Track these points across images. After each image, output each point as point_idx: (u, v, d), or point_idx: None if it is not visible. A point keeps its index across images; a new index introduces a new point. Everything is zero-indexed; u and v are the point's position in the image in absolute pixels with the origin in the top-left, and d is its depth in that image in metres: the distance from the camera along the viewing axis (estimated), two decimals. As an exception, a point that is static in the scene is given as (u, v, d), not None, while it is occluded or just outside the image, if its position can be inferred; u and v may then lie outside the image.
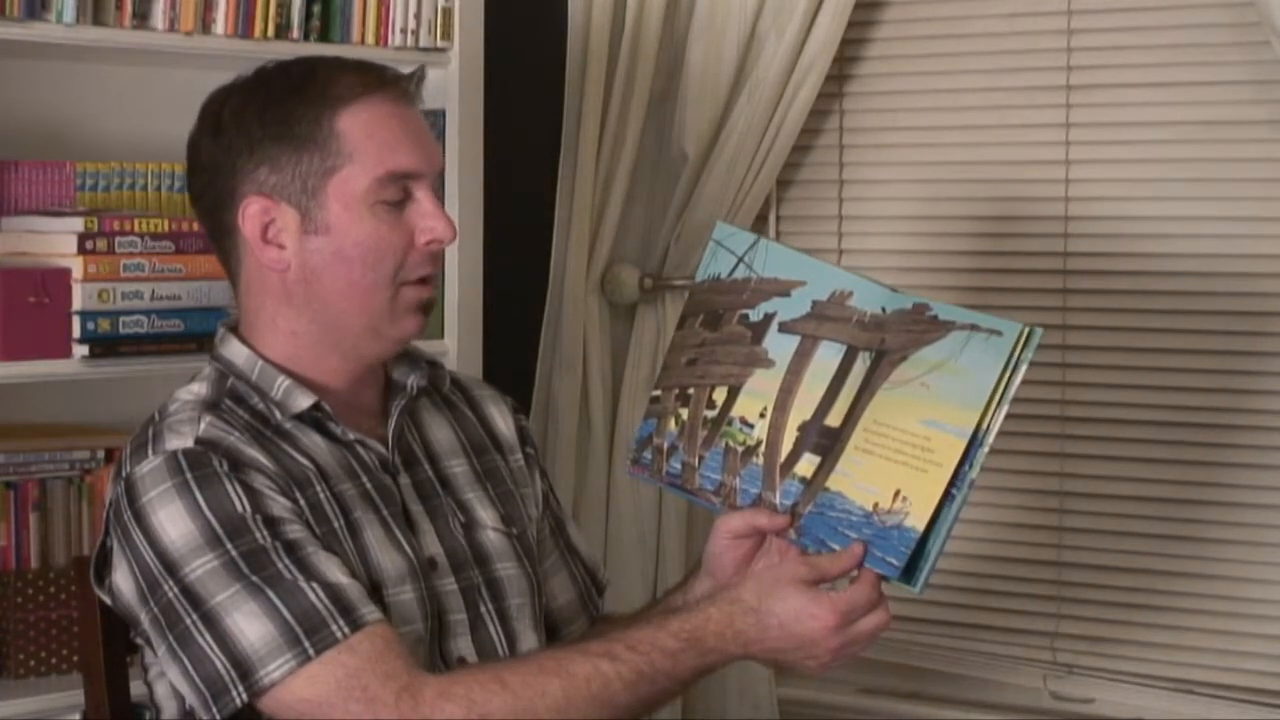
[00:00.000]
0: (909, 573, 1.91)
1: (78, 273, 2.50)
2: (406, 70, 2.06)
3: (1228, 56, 2.86)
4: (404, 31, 2.82)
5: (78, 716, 2.44)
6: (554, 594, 2.22)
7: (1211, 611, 2.93)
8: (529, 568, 2.12)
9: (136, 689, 2.11)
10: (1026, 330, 1.91)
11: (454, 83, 2.88)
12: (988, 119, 3.08)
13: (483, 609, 2.06)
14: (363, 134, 1.98)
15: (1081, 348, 3.00)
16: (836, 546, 1.94)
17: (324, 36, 2.74)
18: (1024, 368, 1.90)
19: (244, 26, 2.65)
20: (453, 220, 2.03)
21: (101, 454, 2.63)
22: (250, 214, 2.00)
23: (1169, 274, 2.93)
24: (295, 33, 2.71)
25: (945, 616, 3.11)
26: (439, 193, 2.06)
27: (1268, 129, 2.84)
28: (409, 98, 2.03)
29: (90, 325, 2.51)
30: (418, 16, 2.83)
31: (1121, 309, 2.97)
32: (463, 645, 2.02)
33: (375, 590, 1.94)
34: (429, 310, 2.04)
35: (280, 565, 1.88)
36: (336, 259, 1.99)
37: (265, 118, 1.99)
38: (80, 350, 2.50)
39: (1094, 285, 2.99)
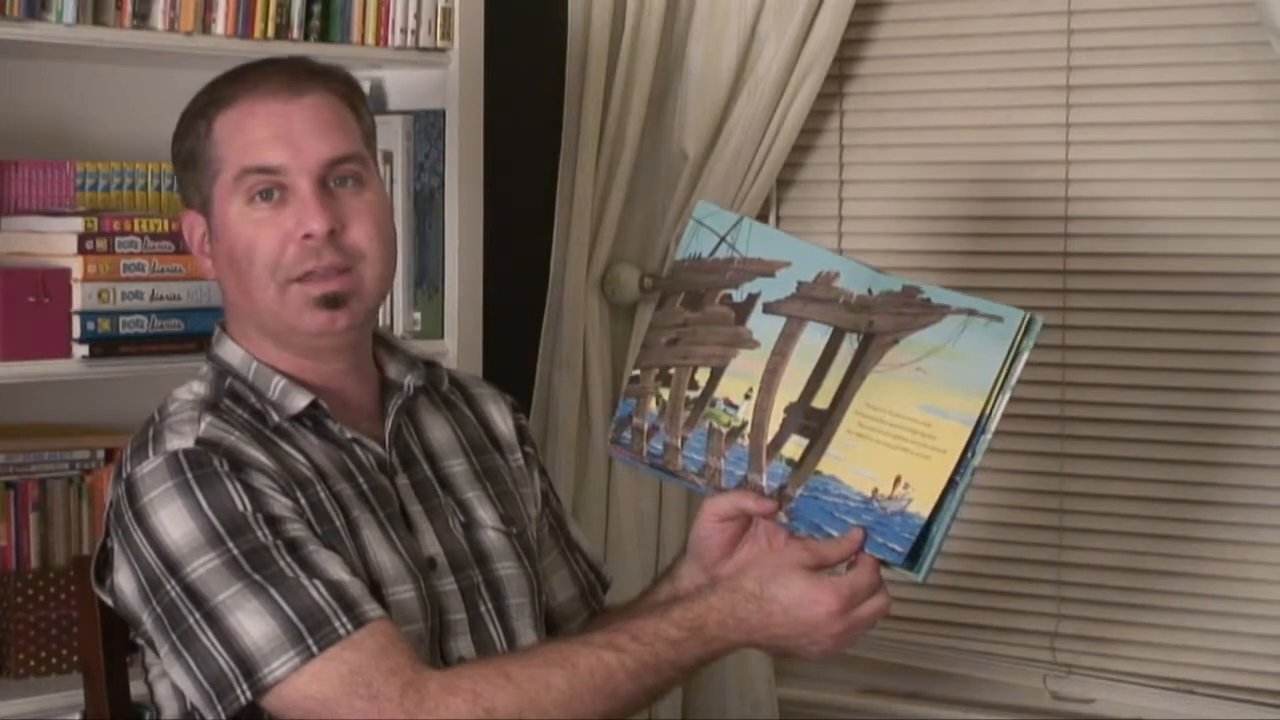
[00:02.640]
0: (912, 560, 1.90)
1: (78, 273, 2.49)
2: (378, 71, 2.04)
3: (1228, 56, 2.86)
4: (404, 31, 2.81)
5: (78, 716, 2.43)
6: (554, 592, 2.22)
7: (1211, 611, 2.92)
8: (529, 567, 2.12)
9: (136, 689, 2.11)
10: (1027, 317, 1.90)
11: (454, 83, 2.87)
12: (988, 119, 3.07)
13: (482, 608, 2.05)
14: (228, 135, 2.00)
15: (1081, 347, 3.00)
16: (833, 531, 1.93)
17: (324, 36, 2.73)
18: (1025, 355, 1.90)
19: (244, 26, 2.64)
20: (330, 211, 1.97)
21: (101, 454, 2.62)
22: (186, 227, 2.07)
23: (1169, 274, 2.93)
24: (295, 33, 2.70)
25: (945, 616, 3.11)
26: (375, 183, 2.03)
27: (1268, 129, 2.84)
28: (297, 91, 2.00)
29: (90, 325, 2.50)
30: (418, 16, 2.82)
31: (1121, 308, 2.97)
32: (462, 645, 2.02)
33: (375, 589, 1.94)
34: (336, 304, 1.99)
35: (282, 563, 1.88)
36: (228, 262, 2.02)
37: (176, 133, 2.05)
38: (80, 350, 2.50)
39: (1094, 285, 2.99)
